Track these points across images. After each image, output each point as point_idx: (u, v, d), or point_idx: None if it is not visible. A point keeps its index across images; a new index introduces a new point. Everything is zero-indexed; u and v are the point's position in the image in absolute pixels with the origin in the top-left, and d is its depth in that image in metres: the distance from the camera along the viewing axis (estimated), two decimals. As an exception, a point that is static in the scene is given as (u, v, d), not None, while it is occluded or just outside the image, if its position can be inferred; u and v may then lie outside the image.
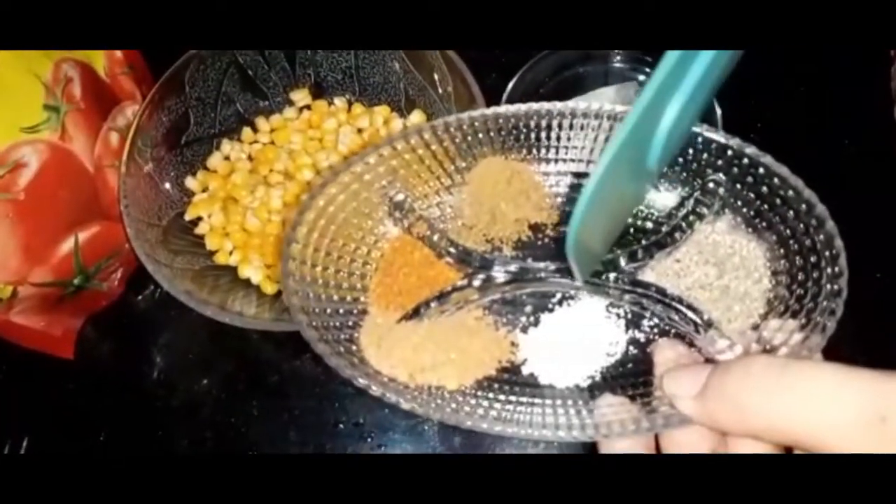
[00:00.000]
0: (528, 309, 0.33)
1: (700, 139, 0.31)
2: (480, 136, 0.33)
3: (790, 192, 0.30)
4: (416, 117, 0.51)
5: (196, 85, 0.48)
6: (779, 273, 0.30)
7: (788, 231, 0.30)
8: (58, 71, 0.43)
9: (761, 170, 0.30)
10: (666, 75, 0.24)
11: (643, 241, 0.33)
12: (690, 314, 0.31)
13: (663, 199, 0.33)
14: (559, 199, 0.35)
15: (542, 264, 0.33)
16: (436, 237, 0.34)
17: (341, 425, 0.47)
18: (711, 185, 0.32)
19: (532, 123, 0.33)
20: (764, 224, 0.31)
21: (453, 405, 0.29)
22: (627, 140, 0.24)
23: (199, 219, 0.49)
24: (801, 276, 0.29)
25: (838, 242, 0.28)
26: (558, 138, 0.33)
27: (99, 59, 0.48)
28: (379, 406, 0.48)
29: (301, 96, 0.52)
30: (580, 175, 0.34)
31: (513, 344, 0.32)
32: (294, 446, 0.47)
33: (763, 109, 0.52)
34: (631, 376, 0.31)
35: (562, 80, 0.51)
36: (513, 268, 0.33)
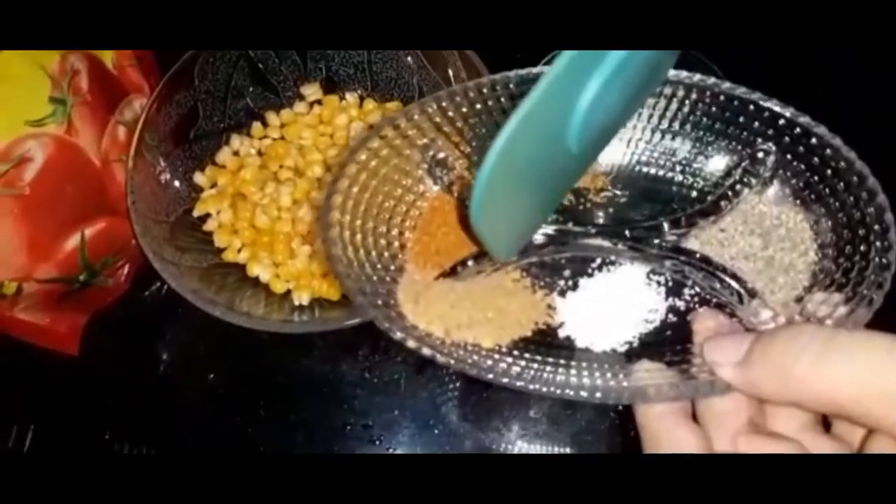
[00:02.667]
0: (567, 273, 0.32)
1: (752, 107, 0.30)
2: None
3: (842, 164, 0.29)
4: (429, 114, 0.50)
5: (205, 78, 0.48)
6: (826, 246, 0.30)
7: (838, 203, 0.29)
8: (64, 63, 0.43)
9: (814, 140, 0.29)
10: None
11: (688, 209, 0.32)
12: (733, 284, 0.30)
13: (711, 166, 0.33)
14: (602, 165, 0.34)
15: (582, 229, 0.33)
16: None
17: (349, 427, 0.47)
18: (761, 154, 0.31)
19: None
20: (813, 196, 0.30)
21: (489, 362, 0.29)
22: (540, 103, 0.23)
23: (208, 215, 0.48)
24: (848, 250, 0.29)
25: (889, 216, 0.28)
26: None
27: (107, 51, 0.47)
28: (387, 408, 0.47)
29: (312, 91, 0.51)
30: (626, 141, 0.34)
31: (550, 307, 0.32)
32: (301, 447, 0.46)
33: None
34: (669, 344, 0.30)
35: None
36: (552, 231, 0.33)
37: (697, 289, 0.32)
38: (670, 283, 0.32)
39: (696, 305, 0.31)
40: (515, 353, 0.30)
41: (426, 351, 0.28)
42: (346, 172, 0.31)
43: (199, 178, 0.49)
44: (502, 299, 0.31)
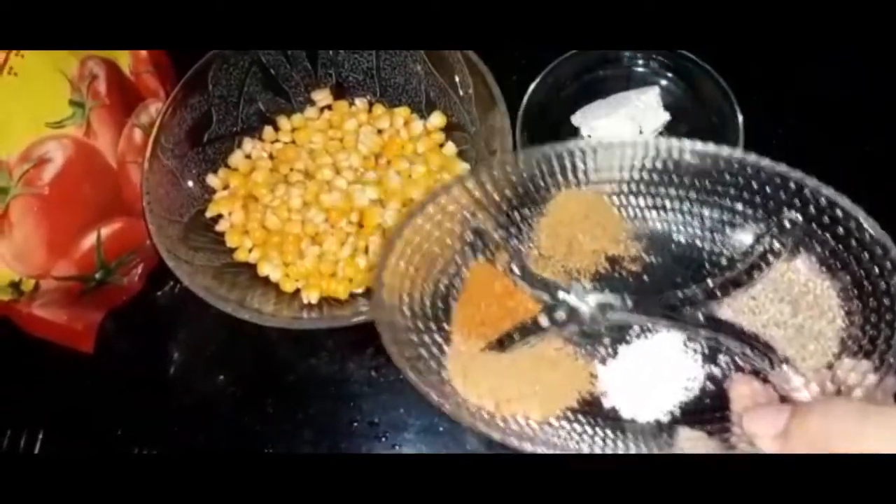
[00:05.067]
0: (607, 341, 0.33)
1: (777, 178, 0.31)
2: (559, 168, 0.34)
3: (866, 235, 0.30)
4: (436, 119, 0.51)
5: (219, 83, 0.49)
6: (852, 313, 0.31)
7: (863, 272, 0.30)
8: (83, 68, 0.44)
9: (838, 211, 0.30)
10: None
11: (718, 275, 0.33)
12: (766, 351, 0.31)
13: (740, 236, 0.34)
14: (636, 233, 0.35)
15: (619, 296, 0.34)
16: (515, 267, 0.34)
17: (356, 424, 0.47)
18: (787, 223, 0.32)
19: (615, 156, 0.34)
20: (838, 264, 0.31)
21: (541, 436, 0.30)
22: None
23: (220, 216, 0.49)
24: (874, 318, 0.30)
25: None
26: (636, 168, 0.34)
27: (124, 57, 0.48)
28: (393, 406, 0.48)
29: (322, 96, 0.52)
30: (657, 209, 0.35)
31: (592, 375, 0.33)
32: (308, 445, 0.47)
33: (785, 116, 0.52)
34: (708, 411, 0.31)
35: (583, 84, 0.51)
36: (591, 300, 0.34)
37: (732, 355, 0.32)
38: (706, 351, 0.33)
39: (731, 371, 0.32)
40: (564, 423, 0.31)
41: (481, 427, 0.29)
42: (394, 248, 0.32)
43: (212, 180, 0.50)
44: (547, 370, 0.32)
